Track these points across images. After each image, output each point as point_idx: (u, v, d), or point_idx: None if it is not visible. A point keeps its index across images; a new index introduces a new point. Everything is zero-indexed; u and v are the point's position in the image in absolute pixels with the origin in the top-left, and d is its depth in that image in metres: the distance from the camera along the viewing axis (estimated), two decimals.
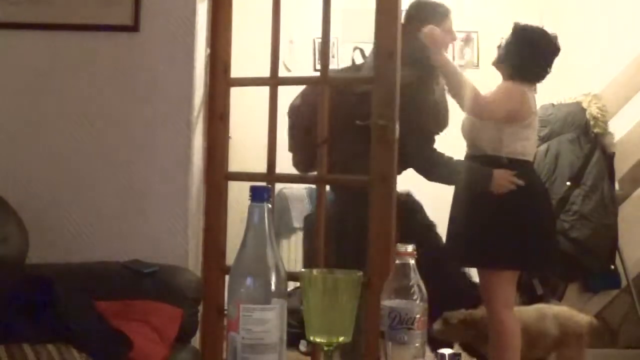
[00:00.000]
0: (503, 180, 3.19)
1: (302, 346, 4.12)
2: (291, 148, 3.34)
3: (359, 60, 3.53)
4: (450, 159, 3.27)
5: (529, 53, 3.29)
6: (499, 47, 3.37)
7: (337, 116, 2.90)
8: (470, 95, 3.21)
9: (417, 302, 1.32)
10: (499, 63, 3.35)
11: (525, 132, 3.26)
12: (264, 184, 2.68)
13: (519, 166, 3.24)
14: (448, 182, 3.33)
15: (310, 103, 3.20)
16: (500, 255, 3.19)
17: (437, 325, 3.32)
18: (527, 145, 3.30)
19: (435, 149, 3.26)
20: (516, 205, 3.19)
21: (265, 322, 1.25)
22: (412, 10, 3.30)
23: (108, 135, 2.83)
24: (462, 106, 3.25)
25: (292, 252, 5.05)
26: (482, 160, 3.28)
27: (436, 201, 3.47)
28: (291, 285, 3.60)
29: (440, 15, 3.26)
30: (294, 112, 3.35)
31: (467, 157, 3.35)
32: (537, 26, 3.37)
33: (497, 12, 5.00)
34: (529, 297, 4.34)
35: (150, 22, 2.81)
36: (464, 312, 3.42)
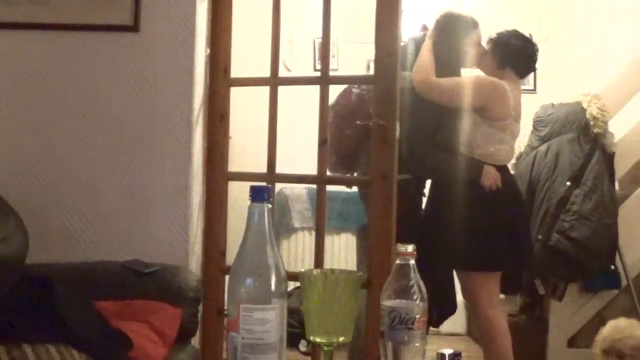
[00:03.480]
0: (492, 175, 3.19)
1: (302, 346, 4.13)
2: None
3: None
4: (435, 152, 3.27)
5: (521, 43, 3.35)
6: (490, 40, 3.38)
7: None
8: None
9: (417, 302, 1.31)
10: (491, 54, 3.35)
11: (500, 135, 3.22)
12: (264, 184, 2.68)
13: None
14: (430, 176, 3.35)
15: (344, 104, 3.26)
16: (477, 257, 3.18)
17: None
18: (501, 149, 3.25)
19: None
20: (490, 208, 3.18)
21: (265, 322, 1.25)
22: (440, 22, 3.34)
23: (108, 136, 2.83)
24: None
25: (292, 252, 5.05)
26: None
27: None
28: (291, 285, 3.61)
29: (468, 27, 3.31)
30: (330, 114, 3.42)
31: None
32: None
33: (497, 12, 4.99)
34: (530, 297, 4.35)
35: (150, 22, 2.82)
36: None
